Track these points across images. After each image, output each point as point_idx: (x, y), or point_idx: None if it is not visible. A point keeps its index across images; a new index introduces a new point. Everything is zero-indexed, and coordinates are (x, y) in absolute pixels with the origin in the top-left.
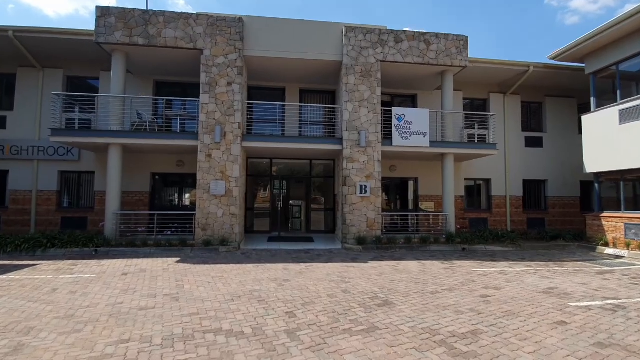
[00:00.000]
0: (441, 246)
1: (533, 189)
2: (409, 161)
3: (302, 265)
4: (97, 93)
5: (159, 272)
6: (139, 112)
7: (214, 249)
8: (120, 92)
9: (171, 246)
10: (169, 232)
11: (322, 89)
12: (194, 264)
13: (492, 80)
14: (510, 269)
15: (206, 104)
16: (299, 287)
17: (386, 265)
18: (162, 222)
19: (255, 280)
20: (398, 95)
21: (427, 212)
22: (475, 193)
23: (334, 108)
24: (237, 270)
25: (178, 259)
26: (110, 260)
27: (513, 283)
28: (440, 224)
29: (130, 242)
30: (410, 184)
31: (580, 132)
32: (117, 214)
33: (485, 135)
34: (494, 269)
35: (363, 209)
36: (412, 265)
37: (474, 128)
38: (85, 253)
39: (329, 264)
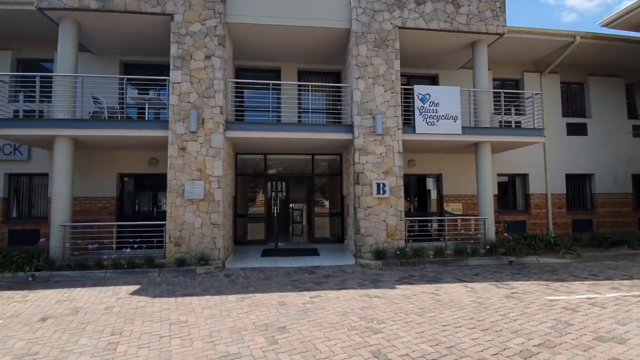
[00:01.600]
0: (482, 259)
1: (577, 185)
2: (431, 154)
3: (306, 296)
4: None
5: (97, 314)
6: (94, 96)
7: (189, 270)
8: (70, 71)
9: (133, 267)
10: (130, 249)
11: (325, 70)
12: (155, 296)
13: (527, 57)
14: (599, 295)
15: (178, 82)
16: (301, 345)
17: (422, 293)
18: (125, 236)
19: (234, 330)
20: (416, 75)
21: (461, 216)
22: (510, 191)
23: (340, 88)
24: (211, 309)
25: (137, 287)
26: (44, 292)
27: (631, 324)
28: (474, 230)
29: (81, 263)
30: (431, 181)
31: (630, 116)
32: (64, 227)
33: (520, 122)
34: (577, 296)
35: (381, 213)
36: (458, 293)
37: (506, 113)
38: (20, 280)
39: (343, 292)
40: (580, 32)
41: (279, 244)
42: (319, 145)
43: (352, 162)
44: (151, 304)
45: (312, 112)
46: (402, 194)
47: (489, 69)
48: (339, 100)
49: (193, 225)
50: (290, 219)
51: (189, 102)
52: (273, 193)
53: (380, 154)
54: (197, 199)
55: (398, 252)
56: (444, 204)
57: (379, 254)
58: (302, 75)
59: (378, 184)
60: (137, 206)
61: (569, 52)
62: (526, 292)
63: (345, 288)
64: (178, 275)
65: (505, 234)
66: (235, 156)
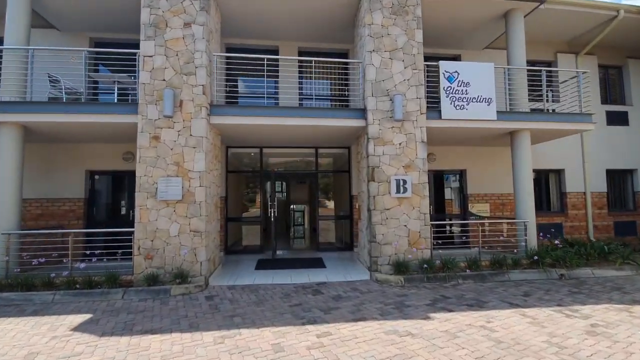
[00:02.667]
0: (525, 272)
1: (618, 183)
2: (454, 147)
3: (311, 334)
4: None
5: None
6: (52, 76)
7: (161, 291)
8: (21, 44)
9: (92, 287)
10: (91, 262)
11: (330, 50)
12: (104, 333)
13: (561, 35)
14: None
15: (150, 56)
16: None
17: (469, 327)
18: (93, 246)
19: None
20: (435, 56)
21: (501, 219)
22: (543, 190)
23: (349, 65)
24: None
25: (86, 316)
26: None
27: None
28: (507, 235)
29: (26, 281)
30: (454, 179)
31: None
32: (7, 236)
33: (553, 110)
34: None
35: (401, 216)
36: (518, 326)
37: (540, 99)
38: None
39: (362, 326)
40: (624, 5)
41: (278, 252)
42: (324, 136)
43: (365, 155)
44: (93, 347)
45: (315, 98)
46: (426, 192)
47: None
48: (347, 85)
49: (168, 233)
50: (291, 222)
51: (164, 80)
52: (270, 193)
53: (400, 144)
54: (174, 200)
55: (423, 264)
56: (469, 205)
57: (400, 267)
58: (304, 55)
59: (397, 181)
60: (110, 209)
61: (609, 30)
62: (609, 323)
63: (364, 319)
64: (147, 297)
65: (543, 240)
66: (226, 150)
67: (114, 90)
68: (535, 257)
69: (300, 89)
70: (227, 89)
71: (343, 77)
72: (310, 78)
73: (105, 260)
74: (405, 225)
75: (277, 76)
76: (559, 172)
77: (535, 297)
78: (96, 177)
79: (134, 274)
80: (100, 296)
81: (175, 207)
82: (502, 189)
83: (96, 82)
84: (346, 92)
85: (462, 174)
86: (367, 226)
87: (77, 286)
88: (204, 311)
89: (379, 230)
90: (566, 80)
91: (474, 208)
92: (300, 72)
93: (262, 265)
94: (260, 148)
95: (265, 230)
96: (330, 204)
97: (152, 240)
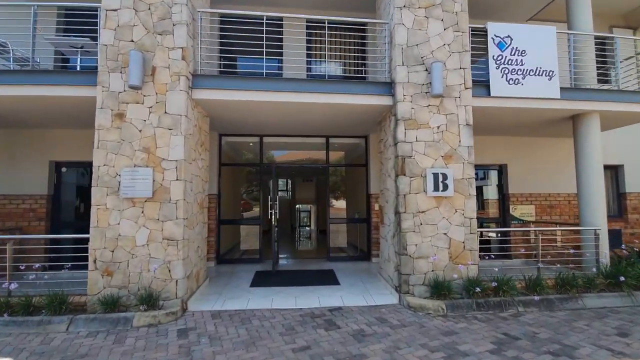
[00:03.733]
0: (603, 296)
1: None
2: (492, 136)
3: None
4: None
5: None
6: None
7: (121, 320)
8: None
9: (30, 313)
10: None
11: (345, 20)
12: None
13: (618, 5)
14: None
15: (114, 10)
16: None
17: None
18: (38, 255)
19: None
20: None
21: (571, 226)
22: None
23: (366, 34)
24: None
25: None
26: None
27: None
28: (560, 244)
29: None
30: (491, 175)
31: None
32: None
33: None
34: None
35: (440, 221)
36: None
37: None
38: None
39: None
40: None
41: (281, 261)
42: (339, 120)
43: (392, 142)
44: None
45: (328, 77)
46: (472, 190)
47: (564, 22)
48: (365, 59)
49: (134, 242)
50: (296, 223)
51: (132, 40)
52: (272, 191)
53: (438, 127)
54: (142, 198)
55: (472, 286)
56: (511, 207)
57: (439, 289)
58: (313, 29)
59: (435, 175)
60: (80, 209)
61: None
62: None
63: None
64: (100, 329)
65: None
66: (219, 139)
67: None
68: (621, 278)
69: (309, 63)
70: (221, 62)
71: (360, 49)
72: (321, 49)
73: (65, 271)
74: (445, 234)
75: (280, 47)
76: (616, 169)
77: (638, 338)
78: (63, 169)
79: (89, 294)
80: (38, 327)
81: (144, 207)
82: (549, 187)
83: (63, 55)
84: (364, 68)
85: (501, 170)
86: (395, 234)
87: (22, 310)
88: (169, 359)
89: (411, 240)
90: (631, 57)
91: (516, 211)
92: (309, 44)
93: (260, 279)
94: (260, 137)
95: (266, 234)
96: (341, 204)
97: (112, 251)
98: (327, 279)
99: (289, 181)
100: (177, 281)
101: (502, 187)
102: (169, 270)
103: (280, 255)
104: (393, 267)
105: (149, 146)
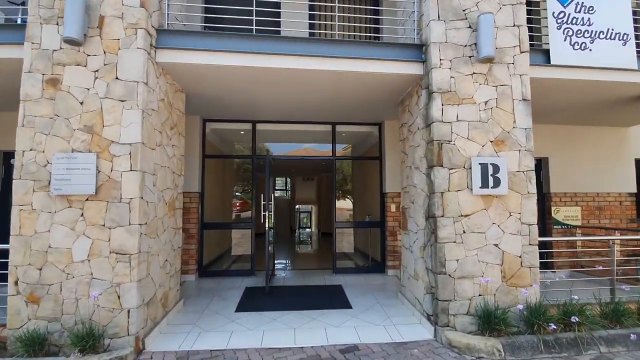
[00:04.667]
0: None
1: None
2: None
3: None
4: None
5: None
6: None
7: None
8: None
9: None
10: None
11: None
12: None
13: None
14: None
15: None
16: None
17: None
18: None
19: None
20: None
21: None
22: None
23: None
24: None
25: None
26: None
27: None
28: (621, 255)
29: None
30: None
31: None
32: None
33: None
34: None
35: (489, 228)
36: None
37: None
38: None
39: None
40: None
41: (277, 272)
42: (348, 96)
43: (425, 123)
44: None
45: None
46: (532, 187)
47: None
48: (380, 17)
49: (69, 256)
50: (296, 225)
51: None
52: (267, 188)
53: (487, 103)
54: (81, 196)
55: (533, 317)
56: (552, 209)
57: (491, 321)
58: None
59: (483, 167)
60: None
61: None
62: None
63: None
64: None
65: None
66: (203, 125)
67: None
68: None
69: (312, 22)
70: (201, 15)
71: (375, 9)
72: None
73: None
74: (495, 245)
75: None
76: None
77: None
78: (13, 160)
79: (9, 327)
80: None
81: (85, 208)
82: (597, 186)
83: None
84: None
85: (540, 165)
86: (427, 244)
87: None
88: None
89: (451, 253)
90: None
91: (559, 213)
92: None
93: (249, 300)
94: (253, 123)
95: (260, 238)
96: (346, 204)
97: (40, 269)
98: (335, 299)
99: (288, 179)
100: (129, 312)
101: (541, 185)
102: (119, 297)
103: (277, 262)
104: (423, 288)
105: (93, 124)
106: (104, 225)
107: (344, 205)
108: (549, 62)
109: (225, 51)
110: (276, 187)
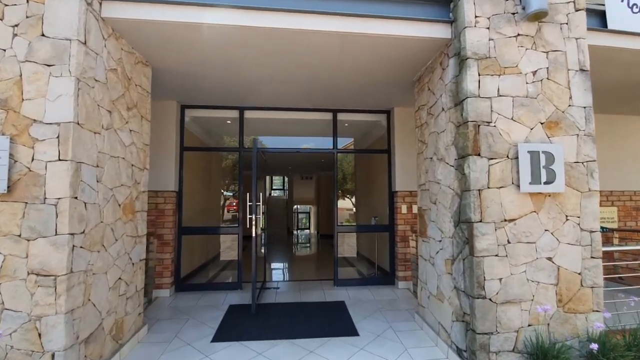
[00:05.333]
0: None
1: None
2: None
3: None
4: None
5: None
6: None
7: None
8: None
9: None
10: None
11: None
12: None
13: None
14: None
15: None
16: None
17: None
18: None
19: None
20: None
21: None
22: None
23: None
24: None
25: None
26: None
27: None
28: None
29: None
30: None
31: None
32: None
33: None
34: None
35: (541, 236)
36: None
37: None
38: None
39: None
40: None
41: (269, 283)
42: (355, 76)
43: (453, 101)
44: None
45: None
46: (594, 184)
47: None
48: None
49: None
50: (294, 226)
51: None
52: (254, 187)
53: (535, 73)
54: None
55: (604, 356)
56: None
57: (537, 355)
58: None
59: (534, 156)
60: None
61: None
62: None
63: None
64: None
65: None
66: (181, 112)
67: None
68: None
69: None
70: None
71: None
72: None
73: None
74: (549, 259)
75: None
76: None
77: None
78: None
79: None
80: None
81: None
82: (635, 184)
83: None
84: None
85: None
86: (458, 257)
87: None
88: None
89: (492, 270)
90: None
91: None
92: None
93: (231, 325)
94: (240, 110)
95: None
96: (348, 204)
97: None
98: (338, 322)
99: (285, 178)
100: (53, 355)
101: None
102: (39, 335)
103: (270, 271)
104: (451, 312)
105: (9, 97)
106: (19, 235)
107: (345, 205)
108: (605, 27)
109: (197, 4)
110: (273, 187)
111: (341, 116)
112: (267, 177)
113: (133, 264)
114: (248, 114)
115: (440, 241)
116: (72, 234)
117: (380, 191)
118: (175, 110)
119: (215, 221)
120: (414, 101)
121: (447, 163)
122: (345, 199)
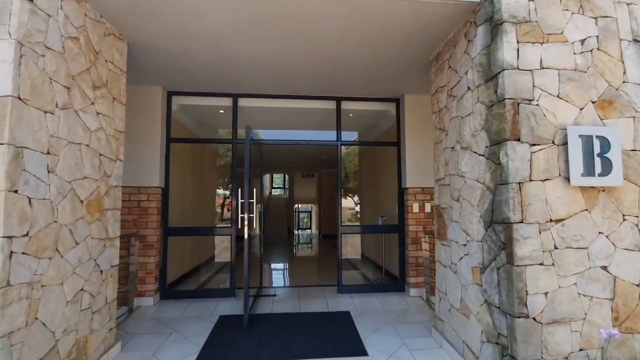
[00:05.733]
0: None
1: None
2: None
3: None
4: None
5: None
6: None
7: None
8: None
9: None
10: None
11: None
12: None
13: None
14: None
15: None
16: None
17: None
18: None
19: None
20: None
21: None
22: None
23: None
24: None
25: None
26: None
27: None
28: None
29: None
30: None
31: None
32: None
33: None
34: None
35: (594, 242)
36: None
37: None
38: None
39: None
40: None
41: (266, 290)
42: (364, 53)
43: (484, 76)
44: None
45: None
46: None
47: None
48: None
49: None
50: (294, 226)
51: None
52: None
53: (583, 42)
54: None
55: None
56: None
57: None
58: None
59: (586, 142)
60: None
61: None
62: None
63: None
64: None
65: None
66: (168, 100)
67: None
68: None
69: None
70: None
71: None
72: None
73: None
74: (604, 268)
75: None
76: None
77: None
78: None
79: None
80: None
81: None
82: None
83: None
84: None
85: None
86: (490, 266)
87: None
88: None
89: (536, 283)
90: None
91: None
92: None
93: (219, 342)
94: (234, 98)
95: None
96: (350, 203)
97: None
98: (343, 337)
99: (286, 176)
100: None
101: None
102: None
103: (270, 269)
104: (480, 331)
105: None
106: None
107: (347, 204)
108: None
109: None
110: (274, 185)
111: (346, 105)
112: (268, 175)
113: (102, 271)
114: (242, 102)
115: (464, 245)
116: (8, 237)
117: (387, 188)
118: (160, 96)
119: (209, 221)
120: (427, 86)
121: (475, 152)
122: (347, 197)
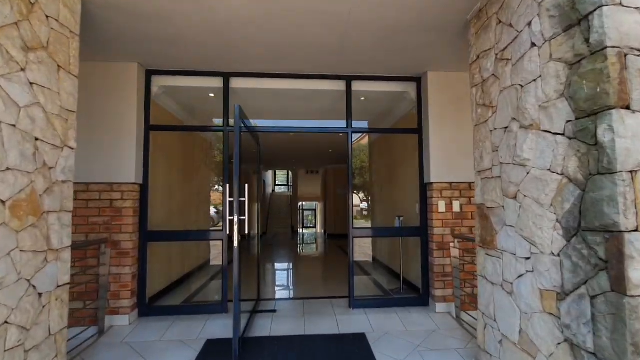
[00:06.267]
0: None
1: None
2: None
3: None
4: None
5: None
6: None
7: None
8: None
9: None
10: None
11: None
12: None
13: None
14: None
15: None
16: None
17: None
18: None
19: None
20: None
21: None
22: None
23: None
24: None
25: None
26: None
27: None
28: None
29: None
30: None
31: None
32: None
33: None
34: None
35: None
36: None
37: None
38: None
39: None
40: None
41: (263, 303)
42: (381, 11)
43: (563, 24)
44: None
45: None
46: None
47: None
48: None
49: None
50: (298, 225)
51: None
52: (234, 173)
53: None
54: None
55: None
56: None
57: None
58: None
59: None
60: None
61: None
62: None
63: None
64: None
65: None
66: (147, 79)
67: None
68: None
69: None
70: None
71: None
72: None
73: None
74: None
75: None
76: None
77: None
78: None
79: None
80: None
81: None
82: None
83: None
84: None
85: None
86: (584, 291)
87: None
88: None
89: None
90: None
91: None
92: None
93: None
94: (225, 76)
95: (231, 257)
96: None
97: None
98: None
99: (289, 173)
100: None
101: None
102: None
103: (270, 277)
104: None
105: None
106: None
107: (377, 205)
108: None
109: None
110: (277, 182)
111: (357, 85)
112: (271, 172)
113: (40, 294)
114: (235, 83)
115: (527, 259)
116: None
117: (405, 184)
118: (136, 75)
119: (204, 223)
120: (458, 59)
121: (547, 131)
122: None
